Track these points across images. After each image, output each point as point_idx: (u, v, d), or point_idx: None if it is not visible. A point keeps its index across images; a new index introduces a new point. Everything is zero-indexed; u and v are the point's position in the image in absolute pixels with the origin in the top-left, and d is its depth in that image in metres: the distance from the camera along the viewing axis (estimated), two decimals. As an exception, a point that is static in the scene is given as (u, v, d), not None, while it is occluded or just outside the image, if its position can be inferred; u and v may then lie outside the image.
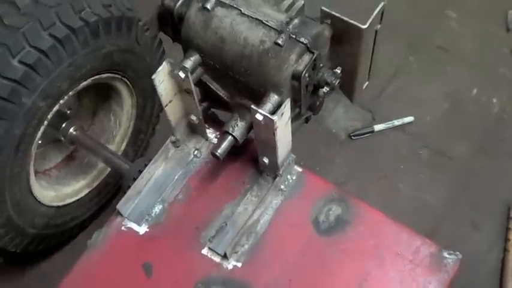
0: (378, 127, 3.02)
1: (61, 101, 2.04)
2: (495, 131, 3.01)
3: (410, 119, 3.05)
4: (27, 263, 2.70)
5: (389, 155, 2.96)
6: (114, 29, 2.07)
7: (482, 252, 2.66)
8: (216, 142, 2.03)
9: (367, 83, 2.05)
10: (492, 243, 2.67)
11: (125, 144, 2.56)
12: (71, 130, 2.34)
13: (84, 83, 2.10)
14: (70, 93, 2.05)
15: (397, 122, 3.04)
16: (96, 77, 2.14)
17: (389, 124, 3.03)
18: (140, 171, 2.04)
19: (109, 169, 2.57)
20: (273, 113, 1.70)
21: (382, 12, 1.81)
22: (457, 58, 3.25)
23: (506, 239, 2.66)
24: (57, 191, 2.43)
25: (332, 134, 3.02)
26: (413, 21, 3.35)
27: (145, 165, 2.05)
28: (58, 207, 2.40)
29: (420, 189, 2.82)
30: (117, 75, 2.24)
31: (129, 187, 2.02)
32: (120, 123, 2.53)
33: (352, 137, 2.99)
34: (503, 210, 2.75)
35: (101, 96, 2.45)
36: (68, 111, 2.36)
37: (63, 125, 2.32)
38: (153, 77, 1.69)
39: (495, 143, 2.97)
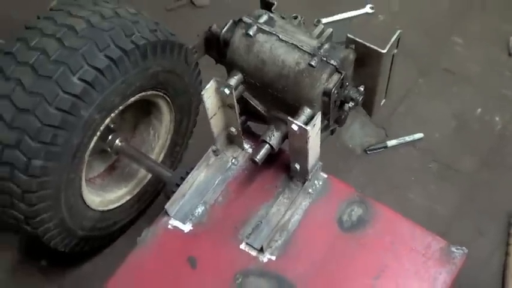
0: (390, 143, 3.13)
1: (112, 115, 2.20)
2: (498, 147, 3.11)
3: (420, 135, 3.16)
4: (69, 265, 2.81)
5: (401, 168, 3.06)
6: (159, 51, 2.22)
7: (486, 255, 2.77)
8: (251, 152, 2.23)
9: (384, 100, 2.26)
10: (495, 248, 2.79)
11: (162, 155, 2.70)
12: (117, 141, 2.50)
13: (132, 99, 2.26)
14: (120, 107, 2.21)
15: (408, 138, 3.15)
16: (143, 93, 2.30)
17: (401, 140, 3.15)
18: (182, 178, 2.22)
19: (148, 178, 2.73)
20: (306, 124, 1.90)
21: (399, 39, 2.02)
22: (463, 80, 3.36)
23: (508, 244, 2.78)
24: (102, 197, 2.58)
25: (349, 149, 3.13)
26: (423, 47, 3.47)
27: (187, 173, 2.22)
28: (103, 211, 2.55)
29: (430, 199, 2.93)
30: (159, 93, 2.40)
31: (172, 192, 2.20)
32: (158, 137, 2.68)
33: (367, 152, 3.11)
34: (505, 218, 2.85)
35: (142, 111, 2.61)
36: (112, 125, 2.49)
37: (110, 137, 2.48)
38: (202, 92, 1.89)
39: (498, 158, 3.08)
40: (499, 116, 3.24)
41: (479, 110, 3.28)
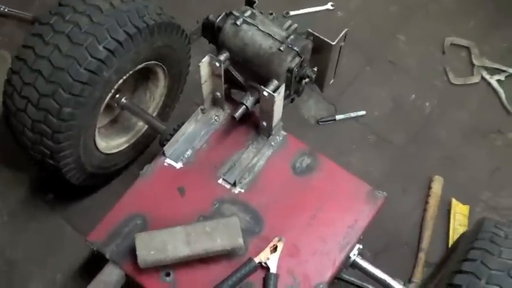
0: (338, 117, 3.51)
1: (124, 77, 2.61)
2: (424, 127, 3.53)
3: (363, 112, 3.54)
4: (71, 199, 3.17)
5: (345, 138, 3.45)
6: (163, 30, 2.63)
7: (409, 210, 3.21)
8: (230, 112, 2.72)
9: (332, 80, 2.78)
10: (416, 204, 3.23)
11: (155, 114, 3.13)
12: (123, 99, 2.92)
13: (140, 66, 2.67)
14: (130, 72, 2.64)
15: (353, 114, 3.53)
16: (147, 62, 2.68)
17: (347, 115, 3.52)
18: (175, 130, 2.70)
19: (142, 131, 3.15)
20: (274, 92, 2.40)
21: (346, 35, 2.53)
22: (402, 71, 3.74)
23: (426, 202, 3.25)
24: (106, 142, 2.98)
25: (305, 120, 3.50)
26: (372, 41, 3.83)
27: (178, 126, 2.70)
28: (107, 154, 2.97)
29: (366, 163, 3.35)
30: (159, 63, 2.83)
31: (166, 140, 2.69)
32: (153, 98, 3.11)
33: (319, 123, 3.49)
34: (426, 181, 3.29)
35: (142, 77, 3.01)
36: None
37: (117, 95, 2.90)
38: (199, 64, 2.41)
39: (424, 135, 3.49)
40: (429, 102, 3.64)
41: (413, 96, 3.66)
